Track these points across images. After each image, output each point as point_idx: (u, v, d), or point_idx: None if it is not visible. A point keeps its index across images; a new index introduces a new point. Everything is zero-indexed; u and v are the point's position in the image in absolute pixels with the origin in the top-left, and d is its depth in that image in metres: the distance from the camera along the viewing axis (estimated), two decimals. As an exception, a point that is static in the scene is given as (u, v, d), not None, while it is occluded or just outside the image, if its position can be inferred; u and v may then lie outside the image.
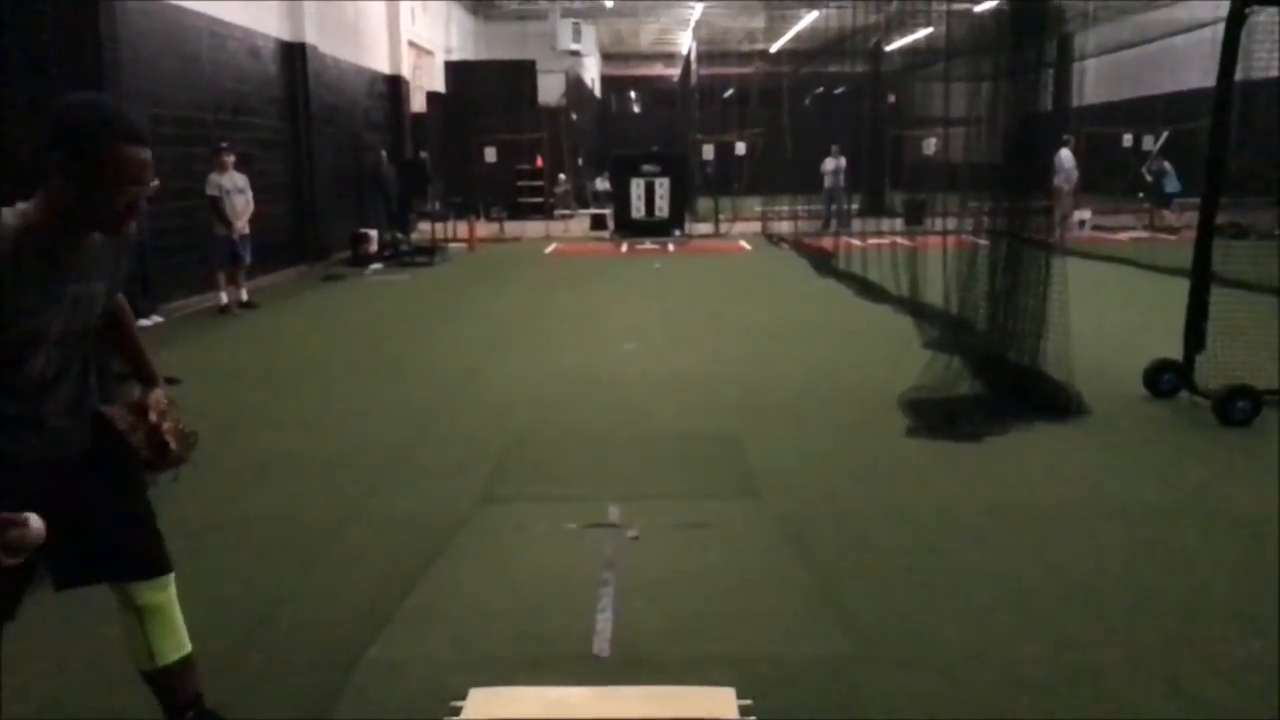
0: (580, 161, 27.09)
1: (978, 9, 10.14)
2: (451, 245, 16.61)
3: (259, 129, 12.84)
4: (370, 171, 16.23)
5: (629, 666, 2.89)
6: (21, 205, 2.18)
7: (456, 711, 2.66)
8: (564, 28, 23.90)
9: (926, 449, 5.11)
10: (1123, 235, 17.26)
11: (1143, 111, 24.14)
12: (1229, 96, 5.55)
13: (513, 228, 19.60)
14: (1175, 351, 5.84)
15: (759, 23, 27.77)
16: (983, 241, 6.54)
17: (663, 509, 4.23)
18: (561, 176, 24.11)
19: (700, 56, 24.27)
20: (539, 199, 22.50)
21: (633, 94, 41.95)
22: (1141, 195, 19.03)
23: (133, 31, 9.39)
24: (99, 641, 3.02)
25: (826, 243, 15.28)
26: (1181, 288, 5.93)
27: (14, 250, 2.11)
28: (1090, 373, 5.88)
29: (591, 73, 32.01)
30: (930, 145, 18.55)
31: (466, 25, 26.77)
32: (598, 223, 19.79)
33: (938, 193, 13.25)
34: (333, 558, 3.80)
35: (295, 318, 10.30)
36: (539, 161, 22.51)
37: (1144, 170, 18.51)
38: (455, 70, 22.94)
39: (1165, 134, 19.08)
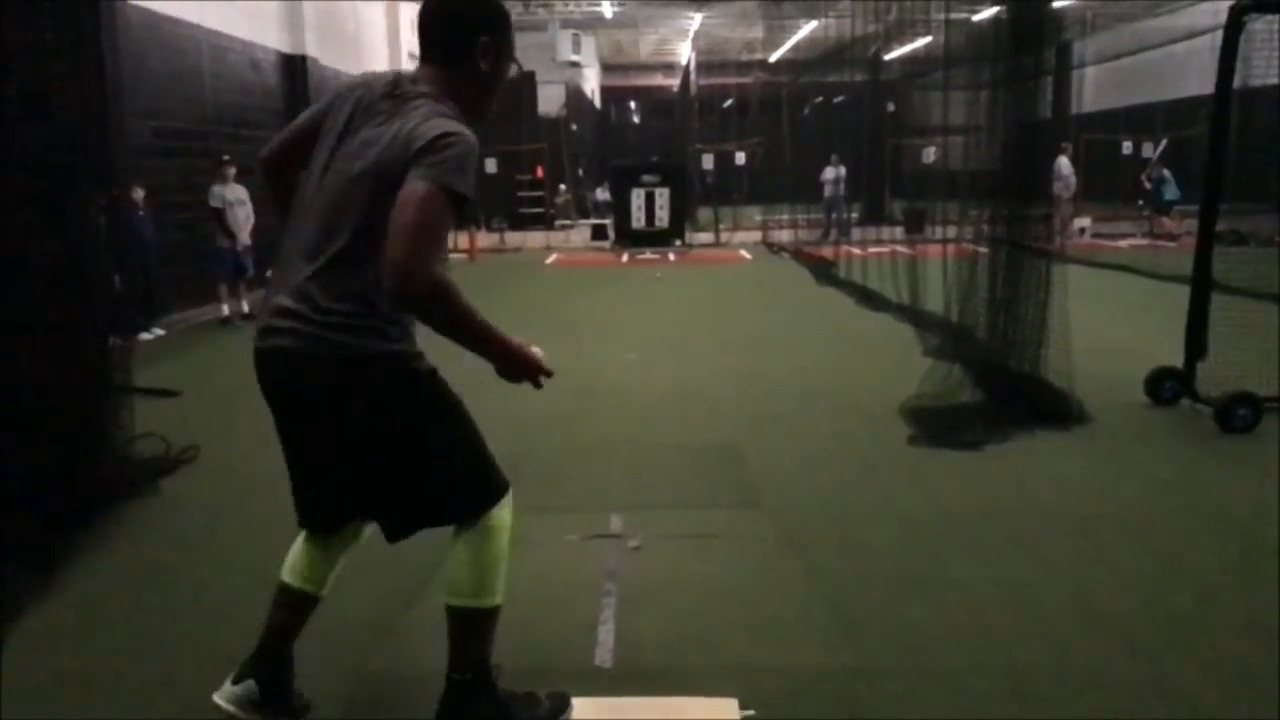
0: (580, 172, 27.14)
1: (976, 17, 10.15)
2: (452, 255, 16.62)
3: (260, 141, 12.76)
4: None
5: (631, 677, 2.89)
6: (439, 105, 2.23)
7: (459, 724, 2.65)
8: (563, 39, 23.97)
9: (928, 457, 5.11)
10: (1123, 243, 17.28)
11: (1142, 119, 24.20)
12: (1228, 104, 5.57)
13: (513, 238, 19.64)
14: (1176, 359, 5.84)
15: (758, 33, 27.83)
16: (983, 249, 6.55)
17: (664, 519, 4.23)
18: (562, 187, 24.17)
19: (699, 66, 24.37)
20: (539, 209, 22.55)
21: (632, 104, 42.05)
22: (1141, 203, 19.06)
23: (134, 44, 9.43)
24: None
25: (827, 251, 15.31)
26: (1182, 295, 5.93)
27: None
28: (1091, 380, 5.88)
29: (591, 83, 32.11)
30: (930, 154, 18.56)
31: (466, 37, 26.82)
32: (598, 233, 19.82)
33: (937, 201, 13.26)
34: (334, 569, 3.79)
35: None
36: (539, 172, 22.56)
37: (1143, 177, 18.54)
38: (455, 81, 22.95)
39: (1164, 141, 19.05)
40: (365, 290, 2.20)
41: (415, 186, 2.06)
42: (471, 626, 2.43)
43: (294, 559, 2.61)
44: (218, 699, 2.49)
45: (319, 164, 2.31)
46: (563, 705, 2.62)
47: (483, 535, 2.39)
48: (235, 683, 2.50)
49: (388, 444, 2.32)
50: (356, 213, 2.19)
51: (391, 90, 2.28)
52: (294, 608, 2.59)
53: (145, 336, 8.94)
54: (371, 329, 2.23)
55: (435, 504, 2.39)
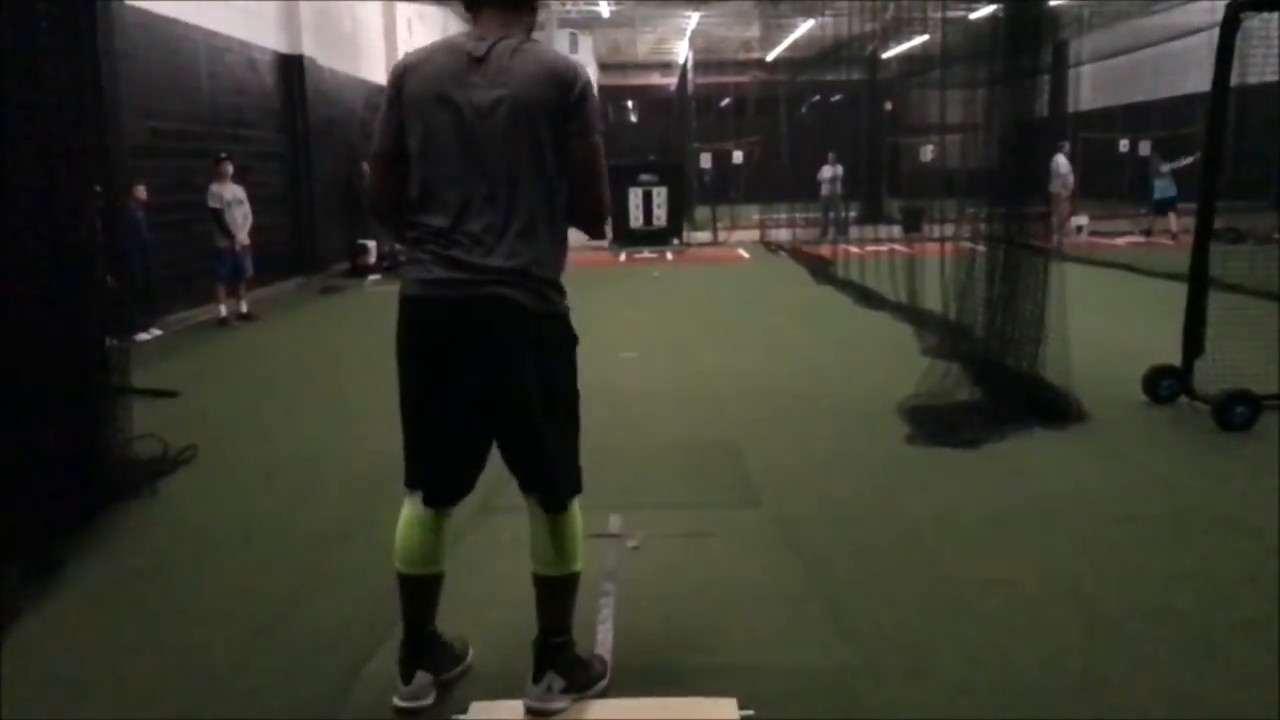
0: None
1: (973, 16, 10.16)
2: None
3: (257, 141, 12.87)
4: (351, 183, 15.93)
5: (630, 677, 2.88)
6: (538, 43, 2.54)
7: (458, 724, 2.66)
8: (561, 38, 23.97)
9: (926, 456, 5.11)
10: (1120, 240, 17.28)
11: (1139, 117, 24.20)
12: (1225, 101, 5.57)
13: (511, 237, 19.57)
14: (1174, 357, 5.84)
15: (755, 32, 27.83)
16: (980, 248, 6.55)
17: (663, 518, 4.23)
18: (559, 186, 24.09)
19: (697, 65, 24.36)
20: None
21: (630, 103, 42.00)
22: (1145, 211, 18.98)
23: (131, 45, 9.41)
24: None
25: (824, 250, 15.31)
26: (1179, 293, 5.93)
27: None
28: (1089, 378, 5.88)
29: (588, 82, 32.01)
30: (927, 152, 18.56)
31: (464, 36, 26.74)
32: (596, 232, 19.78)
33: (935, 199, 13.25)
34: (332, 570, 3.79)
35: (294, 329, 10.30)
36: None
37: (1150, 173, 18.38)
38: (453, 81, 22.88)
39: (1192, 159, 18.10)
40: (562, 248, 2.55)
41: (591, 141, 2.49)
42: (567, 591, 2.68)
43: (408, 549, 2.67)
44: (399, 702, 2.68)
45: (447, 126, 2.45)
46: (604, 668, 2.85)
47: (573, 509, 2.64)
48: (407, 682, 2.68)
49: (561, 395, 2.57)
50: (528, 157, 2.43)
51: (488, 40, 2.47)
52: (426, 593, 2.71)
53: (143, 337, 8.93)
54: (562, 290, 2.56)
55: (568, 473, 2.63)
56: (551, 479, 2.60)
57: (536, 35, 2.56)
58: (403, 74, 2.52)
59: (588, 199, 2.53)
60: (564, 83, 2.43)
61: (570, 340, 2.59)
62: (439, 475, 2.63)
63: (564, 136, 2.45)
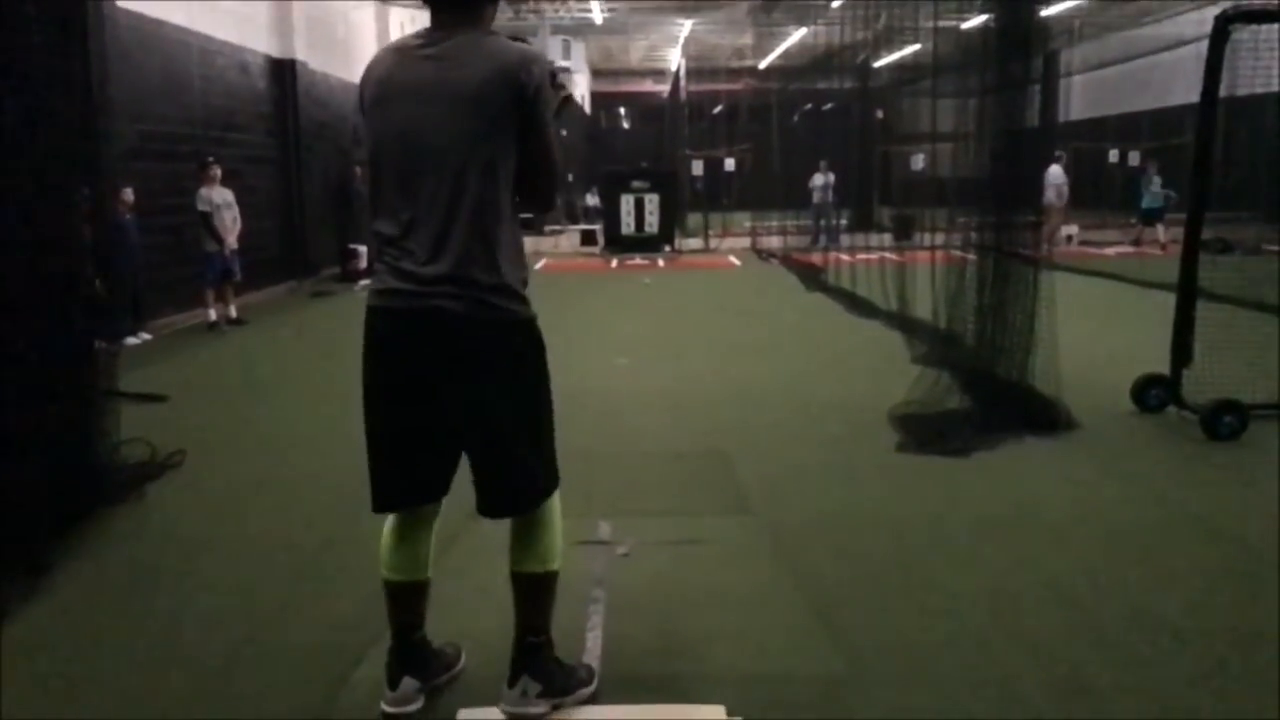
0: (570, 177, 27.11)
1: (965, 25, 10.20)
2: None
3: (248, 145, 12.83)
4: (343, 188, 15.88)
5: (619, 684, 2.87)
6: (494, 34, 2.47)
7: (445, 731, 2.65)
8: (554, 44, 23.96)
9: (916, 464, 5.11)
10: (1110, 250, 17.36)
11: (1129, 127, 24.33)
12: (1213, 112, 5.60)
13: (502, 243, 19.55)
14: (1163, 366, 5.87)
15: (748, 39, 27.89)
16: (971, 257, 6.57)
17: (653, 526, 4.22)
18: (551, 192, 24.05)
19: (689, 73, 24.36)
20: (528, 215, 22.46)
21: (622, 110, 42.06)
22: (1135, 222, 19.08)
23: (121, 48, 9.38)
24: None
25: (815, 258, 15.35)
26: (1168, 302, 5.96)
27: None
28: (1078, 387, 5.90)
29: (581, 89, 32.06)
30: (918, 161, 18.62)
31: (456, 42, 26.73)
32: (588, 238, 19.82)
33: (926, 208, 13.29)
34: (321, 575, 3.77)
35: (284, 334, 10.27)
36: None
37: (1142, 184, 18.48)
38: (445, 86, 22.86)
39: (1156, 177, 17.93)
40: (514, 252, 2.48)
41: (546, 135, 2.43)
42: (546, 589, 2.66)
43: (392, 557, 2.68)
44: (386, 707, 2.69)
45: (393, 133, 2.42)
46: (590, 675, 2.83)
47: (552, 504, 2.62)
48: (394, 688, 2.69)
49: (518, 403, 2.51)
50: (477, 161, 2.37)
51: (439, 39, 2.41)
52: (411, 599, 2.73)
53: (131, 341, 8.88)
54: (521, 296, 2.50)
55: (534, 478, 2.58)
56: (507, 485, 2.57)
57: (530, 41, 2.53)
58: (364, 81, 2.52)
59: (537, 185, 2.50)
60: (517, 82, 2.34)
61: (530, 346, 2.53)
62: (390, 479, 2.60)
63: (519, 135, 2.39)
